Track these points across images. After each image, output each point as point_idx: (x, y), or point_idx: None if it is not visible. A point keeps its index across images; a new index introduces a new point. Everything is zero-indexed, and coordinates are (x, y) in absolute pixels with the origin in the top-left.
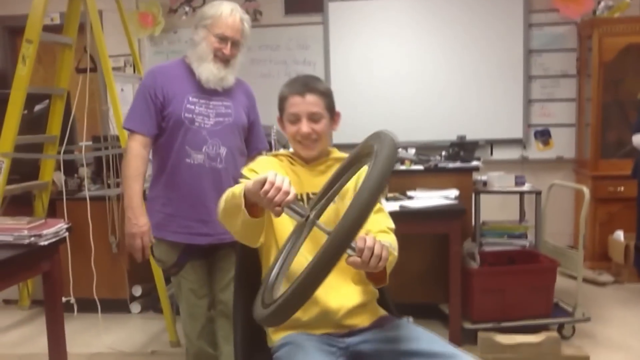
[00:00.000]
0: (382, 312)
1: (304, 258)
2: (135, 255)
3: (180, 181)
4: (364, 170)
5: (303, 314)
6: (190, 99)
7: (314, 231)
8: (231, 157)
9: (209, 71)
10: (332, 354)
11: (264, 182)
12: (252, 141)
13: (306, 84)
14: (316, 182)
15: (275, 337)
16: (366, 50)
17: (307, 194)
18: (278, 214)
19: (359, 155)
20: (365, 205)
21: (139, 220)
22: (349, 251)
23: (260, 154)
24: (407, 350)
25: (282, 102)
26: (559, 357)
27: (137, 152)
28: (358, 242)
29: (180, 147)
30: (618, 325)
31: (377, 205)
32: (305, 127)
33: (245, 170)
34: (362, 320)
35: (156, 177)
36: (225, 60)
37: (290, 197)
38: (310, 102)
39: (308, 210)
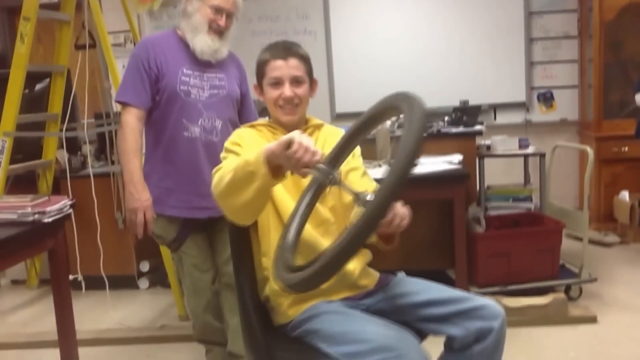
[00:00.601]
0: (377, 273)
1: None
2: (136, 231)
3: (176, 155)
4: (326, 133)
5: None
6: (185, 70)
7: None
8: (226, 130)
9: (203, 42)
10: (362, 312)
11: (289, 143)
12: (244, 114)
13: (288, 48)
14: None
15: (294, 311)
16: (367, 18)
17: None
18: (305, 175)
19: (379, 113)
20: (405, 171)
21: (141, 195)
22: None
23: None
24: (423, 301)
25: (262, 66)
26: (566, 318)
27: (133, 126)
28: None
29: (176, 121)
30: (625, 285)
31: (362, 169)
32: (288, 90)
33: (228, 144)
34: (370, 281)
35: (151, 152)
36: (219, 32)
37: (317, 156)
38: (293, 66)
39: (331, 169)
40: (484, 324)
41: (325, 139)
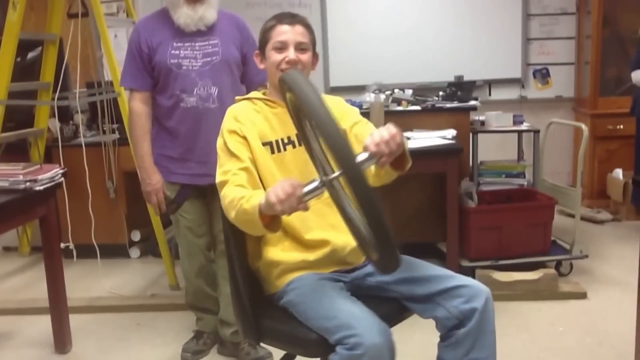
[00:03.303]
0: None
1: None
2: (155, 211)
3: (175, 125)
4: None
5: (311, 254)
6: (175, 44)
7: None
8: (224, 96)
9: (185, 15)
10: (342, 289)
11: (273, 206)
12: (247, 74)
13: (295, 16)
14: None
15: (280, 282)
16: None
17: (297, 135)
18: (306, 209)
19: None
20: (331, 132)
21: (152, 178)
22: (368, 162)
23: (263, 86)
24: (407, 278)
25: (266, 32)
26: (556, 293)
27: (138, 111)
28: (369, 147)
29: (172, 93)
30: (616, 262)
31: (363, 120)
32: (292, 54)
33: (226, 136)
34: (359, 258)
35: (154, 122)
36: (197, 0)
37: (301, 190)
38: (299, 32)
39: (321, 176)
40: (466, 306)
41: None
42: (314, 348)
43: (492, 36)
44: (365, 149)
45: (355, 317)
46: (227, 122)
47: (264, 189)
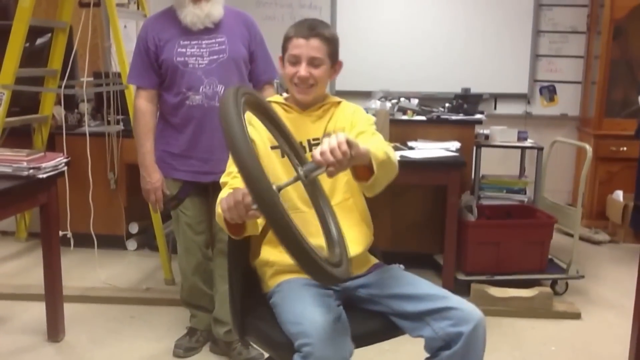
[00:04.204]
0: (375, 260)
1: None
2: (152, 209)
3: (180, 122)
4: (352, 107)
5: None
6: (181, 42)
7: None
8: None
9: (191, 14)
10: (328, 297)
11: (223, 212)
12: (255, 72)
13: (313, 28)
14: (314, 128)
15: (272, 282)
16: None
17: (309, 141)
18: (255, 217)
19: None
20: (242, 160)
21: (151, 177)
22: (314, 172)
23: (270, 84)
24: (399, 294)
25: (285, 42)
26: (550, 312)
27: (143, 109)
28: (314, 156)
29: (179, 90)
30: (611, 284)
31: (369, 131)
32: (303, 70)
33: None
34: (359, 268)
35: (160, 119)
36: None
37: (249, 199)
38: (313, 47)
39: (301, 170)
40: (452, 329)
41: (337, 118)
42: (281, 351)
43: (501, 50)
44: (312, 157)
45: (316, 327)
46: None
47: None
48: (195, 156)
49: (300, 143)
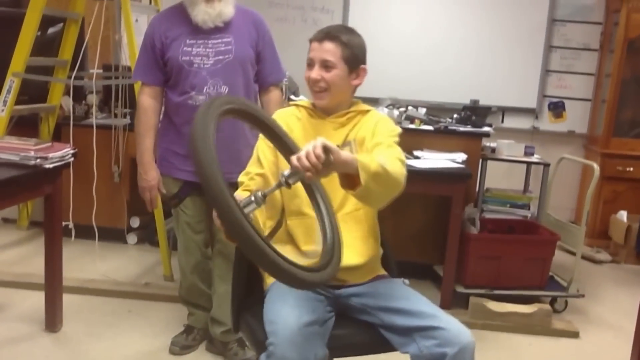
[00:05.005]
0: (382, 271)
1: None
2: (147, 207)
3: (183, 122)
4: (376, 117)
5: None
6: (188, 41)
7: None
8: (234, 95)
9: (202, 13)
10: (318, 301)
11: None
12: (262, 73)
13: (328, 32)
14: (335, 135)
15: (269, 280)
16: (386, 5)
17: None
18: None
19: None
20: (206, 175)
21: (148, 175)
22: (293, 177)
23: (276, 86)
24: (391, 307)
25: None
26: (548, 330)
27: (146, 106)
28: (291, 161)
29: (182, 90)
30: (611, 305)
31: (386, 143)
32: (314, 72)
33: (261, 137)
34: (357, 278)
35: (164, 115)
36: None
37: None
38: (326, 50)
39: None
40: (437, 349)
41: (361, 126)
42: (259, 348)
43: (512, 64)
44: (290, 162)
45: (284, 329)
46: None
47: (282, 195)
48: None
49: None
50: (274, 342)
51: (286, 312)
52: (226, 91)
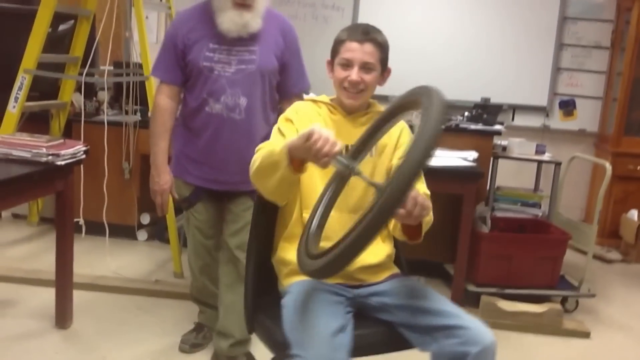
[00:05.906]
0: (396, 270)
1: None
2: (157, 211)
3: (198, 128)
4: (400, 127)
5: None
6: (210, 46)
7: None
8: (252, 109)
9: (229, 20)
10: (338, 303)
11: (309, 136)
12: (286, 84)
13: (367, 32)
14: (356, 134)
15: (286, 282)
16: (396, 2)
17: (346, 146)
18: (325, 165)
19: (401, 106)
20: (420, 161)
21: (160, 178)
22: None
23: (299, 97)
24: (412, 305)
25: (337, 45)
26: (559, 329)
27: (163, 106)
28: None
29: (199, 95)
30: (622, 305)
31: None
32: (355, 75)
33: (280, 121)
34: (374, 277)
35: (180, 117)
36: (246, 5)
37: (337, 147)
38: (367, 52)
39: (352, 161)
40: (459, 348)
41: None
42: (281, 352)
43: (523, 61)
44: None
45: (312, 340)
46: (287, 112)
47: (301, 195)
48: (209, 164)
49: None
50: (304, 355)
51: (312, 320)
52: (244, 103)
